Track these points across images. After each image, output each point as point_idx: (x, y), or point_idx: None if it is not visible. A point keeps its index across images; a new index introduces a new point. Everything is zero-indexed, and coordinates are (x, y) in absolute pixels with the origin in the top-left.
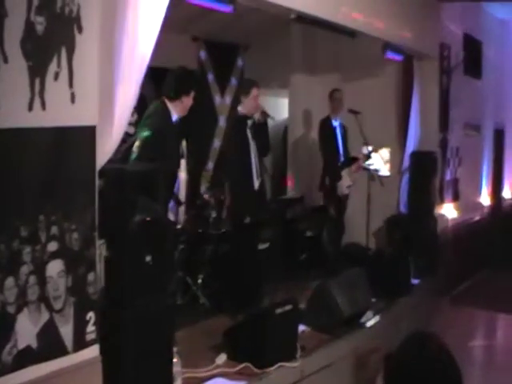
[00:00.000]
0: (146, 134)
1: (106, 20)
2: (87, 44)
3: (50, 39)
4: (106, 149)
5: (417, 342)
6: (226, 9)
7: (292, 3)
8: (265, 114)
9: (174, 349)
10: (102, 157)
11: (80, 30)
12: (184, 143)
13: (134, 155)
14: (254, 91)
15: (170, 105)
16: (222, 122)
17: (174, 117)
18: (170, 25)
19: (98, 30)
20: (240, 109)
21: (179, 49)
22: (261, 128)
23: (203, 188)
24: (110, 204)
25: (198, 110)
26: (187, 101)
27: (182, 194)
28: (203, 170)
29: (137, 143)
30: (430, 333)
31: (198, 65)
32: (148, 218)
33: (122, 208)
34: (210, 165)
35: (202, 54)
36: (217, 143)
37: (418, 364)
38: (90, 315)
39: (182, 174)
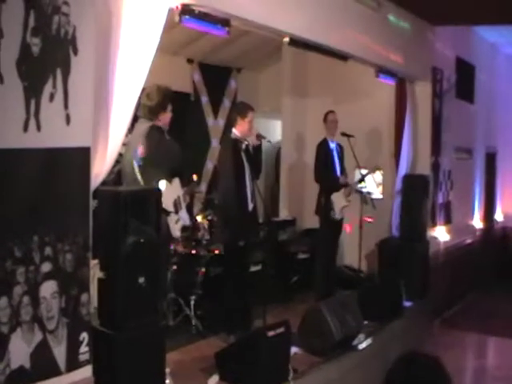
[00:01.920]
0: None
1: (101, 42)
2: (82, 65)
3: (46, 60)
4: (100, 170)
5: (404, 363)
6: (221, 32)
7: (285, 27)
8: (260, 137)
9: (167, 370)
10: (96, 178)
11: (75, 51)
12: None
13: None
14: (250, 115)
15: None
16: (215, 143)
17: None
18: (165, 47)
19: (93, 51)
20: (235, 131)
21: (174, 71)
22: (255, 151)
23: (196, 209)
24: (104, 225)
25: (192, 132)
26: (166, 117)
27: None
28: (196, 192)
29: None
30: (419, 352)
31: (193, 87)
32: (141, 240)
33: (115, 229)
34: (203, 186)
35: (196, 76)
36: (210, 165)
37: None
38: (84, 336)
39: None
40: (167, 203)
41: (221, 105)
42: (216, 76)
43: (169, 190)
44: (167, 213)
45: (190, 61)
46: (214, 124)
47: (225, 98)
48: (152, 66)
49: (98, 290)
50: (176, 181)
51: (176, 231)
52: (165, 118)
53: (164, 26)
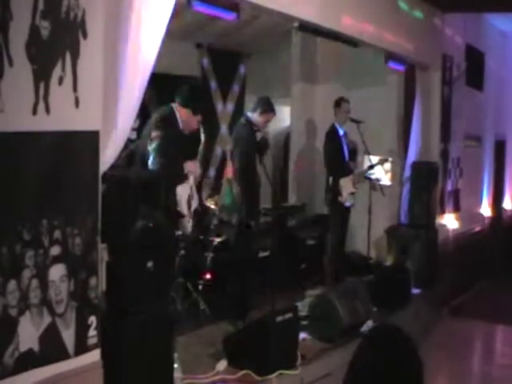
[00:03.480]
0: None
1: (110, 26)
2: (92, 49)
3: (55, 43)
4: (108, 154)
5: (367, 346)
6: (230, 16)
7: (295, 12)
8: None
9: (175, 355)
10: (104, 162)
11: (85, 35)
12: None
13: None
14: (268, 115)
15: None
16: (223, 129)
17: (180, 124)
18: (174, 31)
19: (102, 35)
20: (251, 116)
21: (182, 55)
22: (264, 142)
23: (205, 194)
24: (113, 209)
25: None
26: (195, 119)
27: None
28: (205, 177)
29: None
30: (389, 331)
31: (201, 72)
32: (150, 225)
33: (124, 214)
34: (212, 172)
35: (205, 62)
36: (219, 150)
37: (369, 370)
38: (92, 320)
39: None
40: (182, 206)
41: (230, 90)
42: (225, 61)
43: (181, 191)
44: (182, 216)
45: (199, 45)
46: (223, 109)
47: (234, 84)
48: (160, 51)
49: (106, 274)
50: (189, 181)
51: (188, 229)
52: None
53: (173, 10)
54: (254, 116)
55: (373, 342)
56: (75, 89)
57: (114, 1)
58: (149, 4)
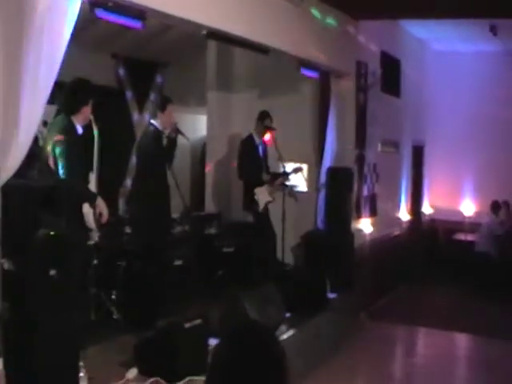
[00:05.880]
0: (58, 150)
1: (9, 33)
2: None
3: None
4: (9, 164)
5: (223, 344)
6: (136, 25)
7: (202, 19)
8: (178, 131)
9: (81, 363)
10: (5, 171)
11: None
12: (95, 158)
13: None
14: (170, 107)
15: (73, 118)
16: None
17: (79, 129)
18: (89, 41)
19: (1, 44)
20: (154, 123)
21: (98, 66)
22: (170, 143)
23: (121, 204)
24: (14, 219)
25: (116, 127)
26: (87, 110)
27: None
28: (120, 187)
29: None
30: (237, 328)
31: (117, 82)
32: (52, 233)
33: (25, 223)
34: (128, 181)
35: (121, 71)
36: (134, 160)
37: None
38: None
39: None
40: (89, 221)
41: (146, 100)
42: (141, 71)
43: (87, 209)
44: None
45: (114, 56)
46: (139, 119)
47: (151, 93)
48: (75, 60)
49: (4, 283)
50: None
51: (95, 239)
52: (85, 112)
53: (80, 19)
54: (158, 119)
55: (229, 339)
56: None
57: (13, 10)
58: (52, 11)
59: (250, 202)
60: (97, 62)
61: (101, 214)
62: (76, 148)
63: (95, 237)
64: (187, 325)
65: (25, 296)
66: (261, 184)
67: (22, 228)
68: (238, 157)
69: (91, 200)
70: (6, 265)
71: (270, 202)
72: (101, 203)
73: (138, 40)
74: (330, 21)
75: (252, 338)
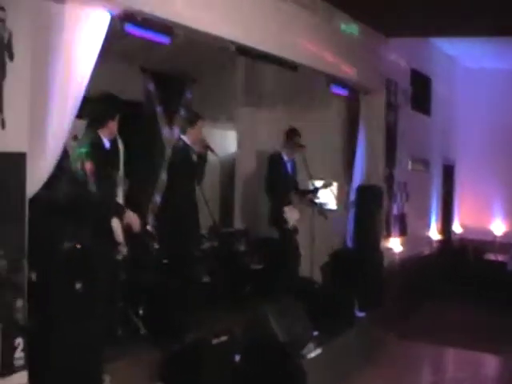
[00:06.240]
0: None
1: (39, 47)
2: (18, 71)
3: None
4: (37, 176)
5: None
6: (164, 40)
7: (232, 35)
8: (208, 148)
9: (106, 377)
10: (33, 184)
11: (11, 56)
12: (121, 173)
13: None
14: (200, 123)
15: (99, 132)
16: (169, 154)
17: (107, 143)
18: (119, 55)
19: (29, 57)
20: (184, 139)
21: (127, 79)
22: (201, 159)
23: (150, 220)
24: (40, 230)
25: (146, 142)
26: (113, 125)
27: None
28: (150, 203)
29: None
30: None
31: (146, 96)
32: (78, 246)
33: (51, 235)
34: (157, 197)
35: (150, 86)
36: (164, 175)
37: None
38: (19, 341)
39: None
40: (118, 235)
41: (176, 115)
42: (171, 86)
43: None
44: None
45: (144, 70)
46: (170, 134)
47: (180, 108)
48: (104, 74)
49: (31, 295)
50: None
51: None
52: (111, 127)
53: (110, 34)
54: (188, 134)
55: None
56: (1, 110)
57: (43, 22)
58: (81, 26)
59: (276, 217)
60: (126, 77)
61: (130, 226)
62: (103, 162)
63: (124, 251)
64: (214, 341)
65: (50, 308)
66: (289, 201)
67: (47, 240)
68: (266, 173)
69: (119, 213)
70: (33, 277)
71: (297, 219)
72: (130, 214)
73: (167, 55)
74: (357, 36)
75: (272, 354)
